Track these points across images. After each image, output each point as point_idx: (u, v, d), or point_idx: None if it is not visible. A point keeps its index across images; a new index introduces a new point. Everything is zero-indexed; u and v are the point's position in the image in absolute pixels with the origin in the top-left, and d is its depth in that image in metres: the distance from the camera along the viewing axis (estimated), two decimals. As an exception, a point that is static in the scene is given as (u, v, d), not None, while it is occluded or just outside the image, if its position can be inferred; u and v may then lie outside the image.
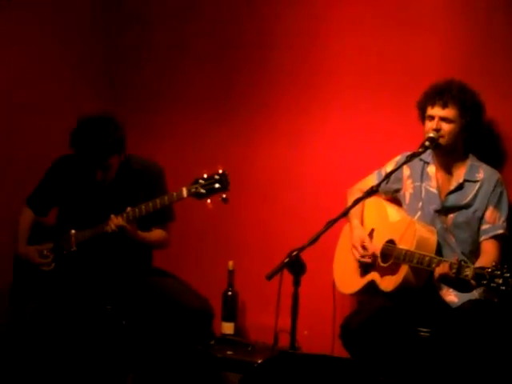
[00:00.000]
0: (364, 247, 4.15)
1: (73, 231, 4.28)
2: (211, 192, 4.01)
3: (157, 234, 4.35)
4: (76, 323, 4.20)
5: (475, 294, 3.97)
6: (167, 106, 5.14)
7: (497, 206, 4.03)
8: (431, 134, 4.05)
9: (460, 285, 3.80)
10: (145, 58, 5.23)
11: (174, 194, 4.10)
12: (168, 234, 4.39)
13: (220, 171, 4.02)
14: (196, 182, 4.03)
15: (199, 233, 4.91)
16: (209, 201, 4.01)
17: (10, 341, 4.28)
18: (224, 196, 4.01)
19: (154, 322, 4.23)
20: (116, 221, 4.13)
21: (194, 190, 4.03)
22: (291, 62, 4.83)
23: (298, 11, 4.80)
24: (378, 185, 4.03)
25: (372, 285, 4.15)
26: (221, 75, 5.03)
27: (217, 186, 4.01)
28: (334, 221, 3.76)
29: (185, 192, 4.05)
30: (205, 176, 4.03)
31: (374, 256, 4.13)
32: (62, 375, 4.17)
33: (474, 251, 4.07)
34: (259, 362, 4.36)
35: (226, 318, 4.86)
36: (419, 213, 4.14)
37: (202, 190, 4.01)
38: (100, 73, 5.25)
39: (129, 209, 4.15)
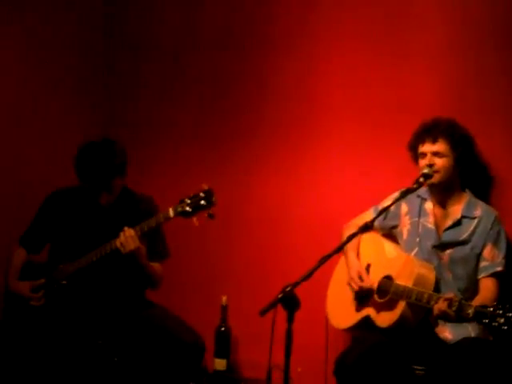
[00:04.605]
0: (361, 278, 4.13)
1: (61, 266, 4.26)
2: (197, 209, 4.00)
3: (157, 266, 4.31)
4: (67, 358, 4.15)
5: (470, 332, 3.96)
6: (158, 139, 5.13)
7: (495, 243, 4.04)
8: (425, 170, 4.07)
9: (458, 321, 3.79)
10: (137, 89, 5.25)
11: (161, 214, 4.08)
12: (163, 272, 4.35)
13: (205, 188, 4.01)
14: (182, 201, 4.03)
15: (192, 267, 4.88)
16: (195, 219, 3.99)
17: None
18: (210, 212, 3.99)
19: (146, 355, 4.17)
20: (128, 232, 4.08)
21: (180, 209, 4.01)
22: (288, 98, 4.85)
23: (297, 47, 4.83)
24: (373, 220, 4.03)
25: (366, 320, 4.12)
26: (217, 106, 5.05)
27: (202, 202, 3.99)
28: (328, 256, 3.73)
29: (171, 212, 4.03)
30: (190, 195, 4.02)
31: (370, 290, 4.10)
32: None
33: (470, 288, 4.06)
34: (252, 398, 4.33)
35: (219, 354, 4.82)
36: (417, 248, 4.13)
37: (188, 209, 4.00)
38: (90, 106, 5.25)
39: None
